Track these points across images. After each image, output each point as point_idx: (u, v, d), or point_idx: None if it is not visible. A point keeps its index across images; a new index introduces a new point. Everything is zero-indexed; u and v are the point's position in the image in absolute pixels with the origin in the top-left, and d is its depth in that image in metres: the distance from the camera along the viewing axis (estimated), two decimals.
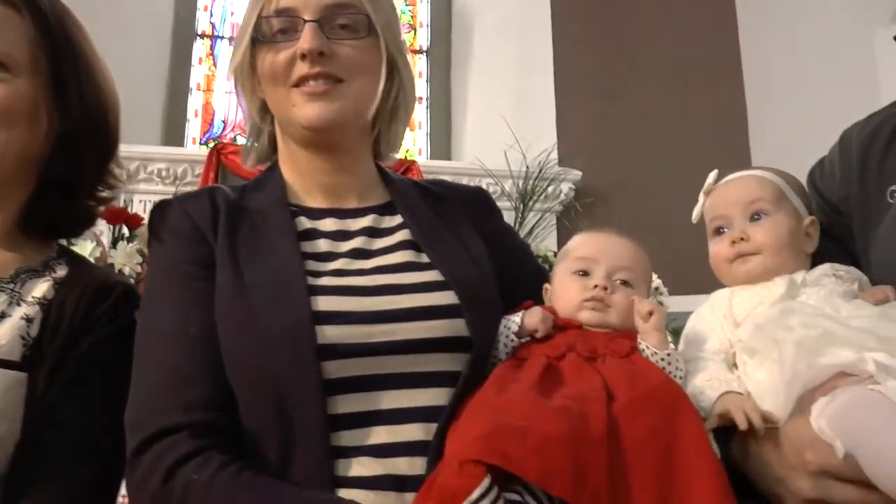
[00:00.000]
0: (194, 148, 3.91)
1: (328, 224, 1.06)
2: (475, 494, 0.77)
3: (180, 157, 3.61)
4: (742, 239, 1.06)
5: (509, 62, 3.91)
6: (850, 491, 0.83)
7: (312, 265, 0.99)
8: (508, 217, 3.24)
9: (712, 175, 1.13)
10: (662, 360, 0.97)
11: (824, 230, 1.15)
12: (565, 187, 3.41)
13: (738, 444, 0.96)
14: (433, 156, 4.04)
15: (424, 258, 1.03)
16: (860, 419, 0.82)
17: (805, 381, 0.89)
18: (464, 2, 4.26)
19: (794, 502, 0.90)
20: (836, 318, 0.92)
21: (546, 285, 1.13)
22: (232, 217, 1.02)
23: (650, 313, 0.99)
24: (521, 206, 3.16)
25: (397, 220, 1.09)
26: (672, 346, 0.99)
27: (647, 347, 0.98)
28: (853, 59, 3.50)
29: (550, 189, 3.32)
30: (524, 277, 1.14)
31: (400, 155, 4.00)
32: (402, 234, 1.07)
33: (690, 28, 3.72)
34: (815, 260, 1.09)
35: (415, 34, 4.43)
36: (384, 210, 1.10)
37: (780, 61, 3.60)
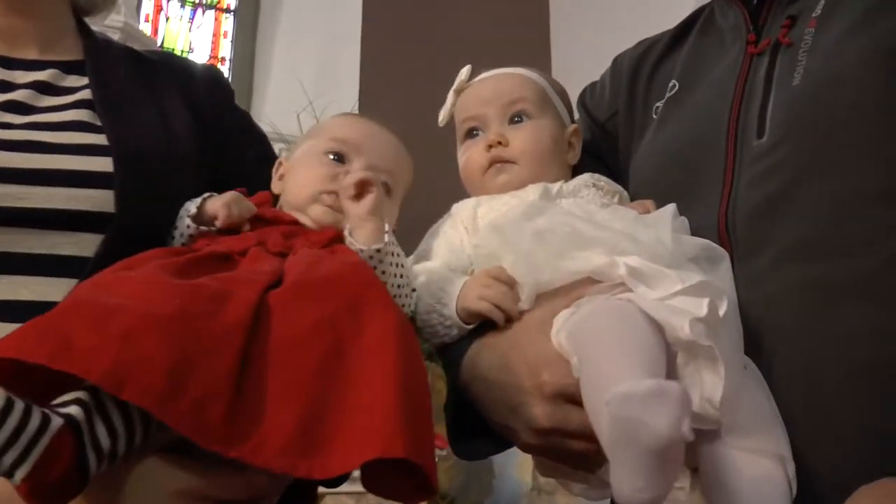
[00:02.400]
0: None
1: None
2: None
3: None
4: (500, 143, 0.91)
5: (317, 28, 3.74)
6: (586, 417, 0.68)
7: None
8: None
9: (465, 70, 0.98)
10: (371, 257, 0.76)
11: (591, 150, 1.07)
12: None
13: (466, 370, 0.81)
14: None
15: (99, 122, 0.85)
16: (596, 332, 0.69)
17: (547, 284, 0.76)
18: None
19: (527, 436, 0.76)
20: (588, 219, 0.79)
21: (281, 158, 0.93)
22: None
23: (360, 189, 0.78)
24: None
25: (84, 80, 0.91)
26: (388, 238, 0.78)
27: (353, 244, 0.77)
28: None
29: None
30: (249, 163, 0.97)
31: None
32: (83, 94, 0.89)
33: (502, 10, 3.69)
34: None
35: None
36: (71, 68, 0.92)
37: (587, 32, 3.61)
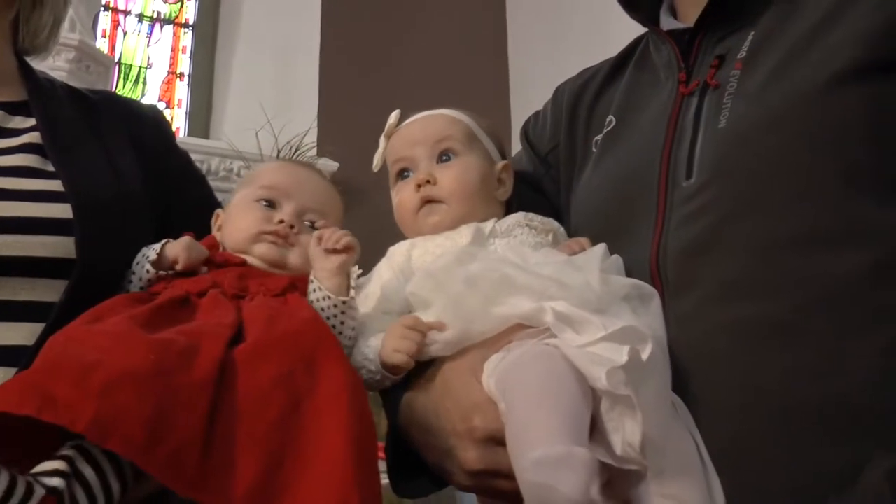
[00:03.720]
0: None
1: None
2: None
3: None
4: (428, 182, 0.92)
5: (276, 45, 3.71)
6: None
7: None
8: None
9: (394, 115, 0.99)
10: (335, 306, 0.81)
11: (533, 182, 1.08)
12: None
13: (403, 414, 0.82)
14: (191, 133, 3.73)
15: (50, 166, 0.85)
16: (520, 380, 0.70)
17: (479, 328, 0.77)
18: None
19: (461, 477, 0.77)
20: (520, 265, 0.80)
21: (218, 211, 0.97)
22: None
23: (338, 247, 0.83)
24: None
25: (30, 122, 0.91)
26: (353, 294, 0.83)
27: (320, 289, 0.81)
28: (617, 25, 3.55)
29: None
30: (191, 205, 0.99)
31: None
32: (30, 137, 0.89)
33: (460, 28, 3.70)
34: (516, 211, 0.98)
35: (182, 6, 4.11)
36: (15, 109, 0.92)
37: (544, 47, 3.62)
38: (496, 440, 0.73)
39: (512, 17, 3.82)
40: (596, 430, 0.71)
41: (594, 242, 0.90)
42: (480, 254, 0.83)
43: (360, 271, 0.86)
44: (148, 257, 0.84)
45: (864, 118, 0.77)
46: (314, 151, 3.44)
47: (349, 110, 3.39)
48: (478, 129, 0.97)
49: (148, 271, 0.83)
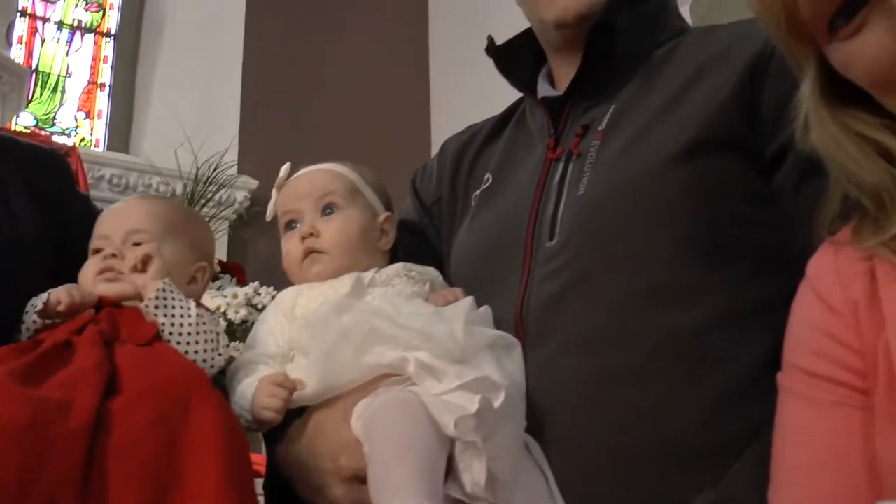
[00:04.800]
0: None
1: None
2: None
3: None
4: (312, 234, 0.99)
5: (199, 59, 3.69)
6: None
7: None
8: None
9: (284, 168, 1.06)
10: (157, 304, 0.88)
11: (417, 232, 1.16)
12: (240, 195, 3.26)
13: (280, 453, 0.89)
14: (110, 147, 3.68)
15: None
16: (381, 425, 0.77)
17: (347, 380, 0.84)
18: None
19: None
20: (391, 317, 0.88)
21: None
22: None
23: (143, 263, 0.91)
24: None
25: None
26: (164, 285, 0.90)
27: (147, 304, 0.88)
28: None
29: (224, 195, 3.14)
30: (88, 250, 1.00)
31: (74, 142, 3.64)
32: None
33: (382, 46, 3.76)
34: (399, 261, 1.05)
35: (104, 15, 4.06)
36: None
37: (465, 73, 3.70)
38: (360, 479, 0.80)
39: (434, 38, 3.88)
40: (452, 469, 0.79)
41: (469, 292, 0.97)
42: (356, 305, 0.90)
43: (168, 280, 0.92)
44: (35, 307, 0.87)
45: (694, 193, 0.87)
46: (234, 170, 3.47)
47: (270, 128, 3.41)
48: (361, 183, 1.04)
49: (35, 321, 0.86)
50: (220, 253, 3.01)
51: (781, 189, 0.86)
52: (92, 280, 0.92)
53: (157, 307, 0.88)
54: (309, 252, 0.99)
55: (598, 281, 0.89)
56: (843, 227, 0.72)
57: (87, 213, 1.07)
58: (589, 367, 0.87)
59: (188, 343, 0.87)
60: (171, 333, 0.87)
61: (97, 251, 0.95)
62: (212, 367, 0.89)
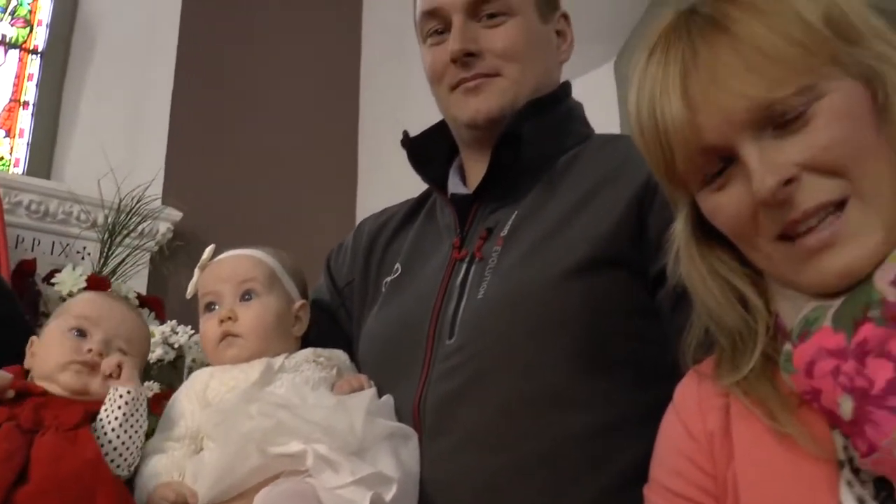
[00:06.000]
0: None
1: None
2: None
3: None
4: (230, 318, 1.04)
5: (129, 85, 3.65)
6: None
7: None
8: (93, 249, 3.04)
9: (208, 250, 1.11)
10: (128, 404, 0.93)
11: (329, 311, 1.21)
12: (163, 227, 3.24)
13: None
14: (31, 168, 3.59)
15: None
16: None
17: (252, 469, 0.89)
18: (91, 7, 3.92)
19: None
20: (296, 408, 0.93)
21: (33, 338, 1.03)
22: None
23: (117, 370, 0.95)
24: (109, 240, 2.92)
25: None
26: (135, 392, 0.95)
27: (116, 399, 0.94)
28: None
29: (146, 227, 3.12)
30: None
31: None
32: None
33: (312, 87, 3.79)
34: (310, 342, 1.11)
35: (31, 32, 3.98)
36: None
37: (395, 92, 3.75)
38: None
39: (365, 62, 3.87)
40: None
41: (373, 378, 1.04)
42: (260, 396, 0.95)
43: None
44: None
45: (584, 306, 0.95)
46: (158, 202, 3.43)
47: (197, 160, 3.39)
48: (281, 271, 1.10)
49: None
50: (140, 286, 2.98)
51: (661, 308, 0.95)
52: (61, 365, 0.97)
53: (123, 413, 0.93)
54: (226, 335, 1.04)
55: (491, 383, 0.95)
56: (706, 356, 0.79)
57: None
58: (481, 464, 0.94)
59: (121, 452, 0.92)
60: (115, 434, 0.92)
61: (80, 332, 1.00)
62: (130, 467, 0.94)
